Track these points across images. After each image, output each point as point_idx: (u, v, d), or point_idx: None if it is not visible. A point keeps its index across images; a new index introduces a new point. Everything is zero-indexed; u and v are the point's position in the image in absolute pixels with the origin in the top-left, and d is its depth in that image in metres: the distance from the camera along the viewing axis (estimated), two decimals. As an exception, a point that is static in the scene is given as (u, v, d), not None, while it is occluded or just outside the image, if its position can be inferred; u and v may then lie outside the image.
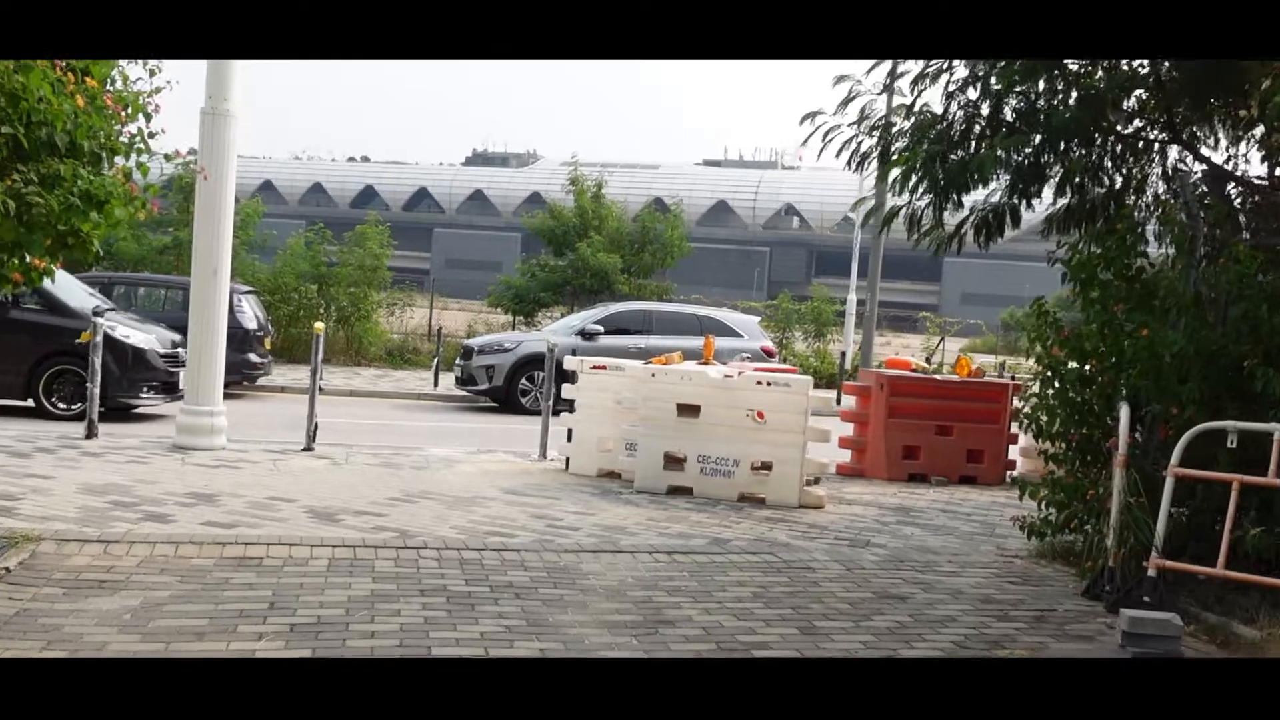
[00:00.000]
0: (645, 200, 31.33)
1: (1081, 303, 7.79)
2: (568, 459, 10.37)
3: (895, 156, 8.55)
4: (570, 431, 10.36)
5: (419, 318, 26.76)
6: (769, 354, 18.44)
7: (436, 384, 19.27)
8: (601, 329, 17.41)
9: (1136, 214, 8.53)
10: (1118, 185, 8.87)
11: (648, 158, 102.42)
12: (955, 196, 8.34)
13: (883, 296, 33.70)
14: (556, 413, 10.80)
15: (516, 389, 16.88)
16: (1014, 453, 11.59)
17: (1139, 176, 8.98)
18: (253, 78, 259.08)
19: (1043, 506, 7.74)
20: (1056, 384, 7.78)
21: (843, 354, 23.06)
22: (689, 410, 9.32)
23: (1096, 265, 7.69)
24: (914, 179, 8.26)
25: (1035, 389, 8.08)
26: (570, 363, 10.38)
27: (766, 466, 9.20)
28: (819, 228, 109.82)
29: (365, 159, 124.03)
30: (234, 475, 8.67)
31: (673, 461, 9.35)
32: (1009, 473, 11.47)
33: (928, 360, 27.21)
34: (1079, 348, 7.62)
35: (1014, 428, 11.35)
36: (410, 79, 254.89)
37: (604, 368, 10.13)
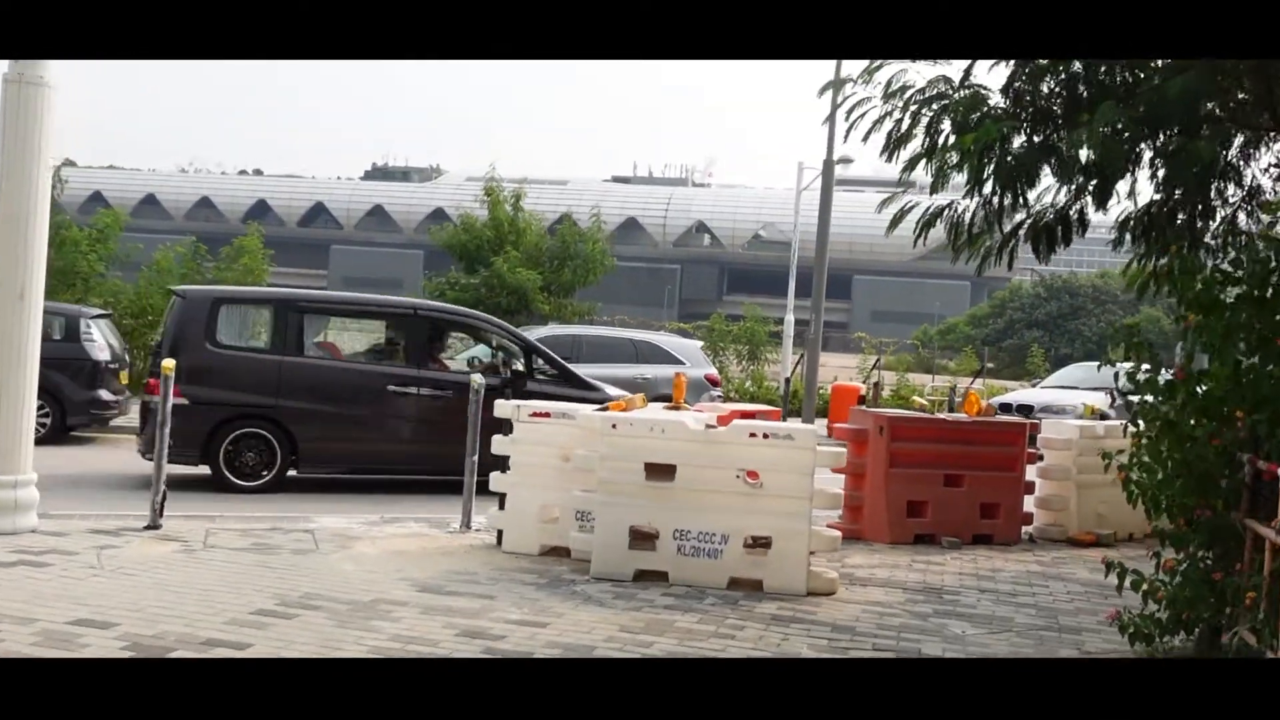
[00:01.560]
0: (554, 217, 29.18)
1: (1195, 336, 5.86)
2: (500, 532, 8.14)
3: (954, 138, 6.55)
4: (503, 498, 8.14)
5: (314, 341, 24.19)
6: (713, 383, 16.47)
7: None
8: (524, 356, 15.16)
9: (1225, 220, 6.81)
10: (1213, 184, 7.03)
11: (555, 173, 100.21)
12: (1019, 192, 6.41)
13: (802, 315, 32.16)
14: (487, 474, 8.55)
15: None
16: (1028, 503, 9.73)
17: (1237, 172, 7.17)
18: (133, 83, 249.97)
19: (1148, 600, 5.84)
20: (1170, 444, 5.86)
21: (787, 380, 21.16)
22: (662, 472, 7.19)
23: (1218, 284, 5.79)
24: (983, 167, 6.27)
25: (1131, 447, 6.17)
26: (503, 408, 8.16)
27: (763, 543, 7.10)
28: (730, 245, 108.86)
29: (258, 172, 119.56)
30: (32, 581, 6.18)
31: (641, 538, 7.19)
32: (1025, 528, 9.60)
33: (866, 384, 25.56)
34: (1204, 398, 5.71)
35: (1030, 474, 9.57)
36: (305, 91, 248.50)
37: (547, 415, 7.93)
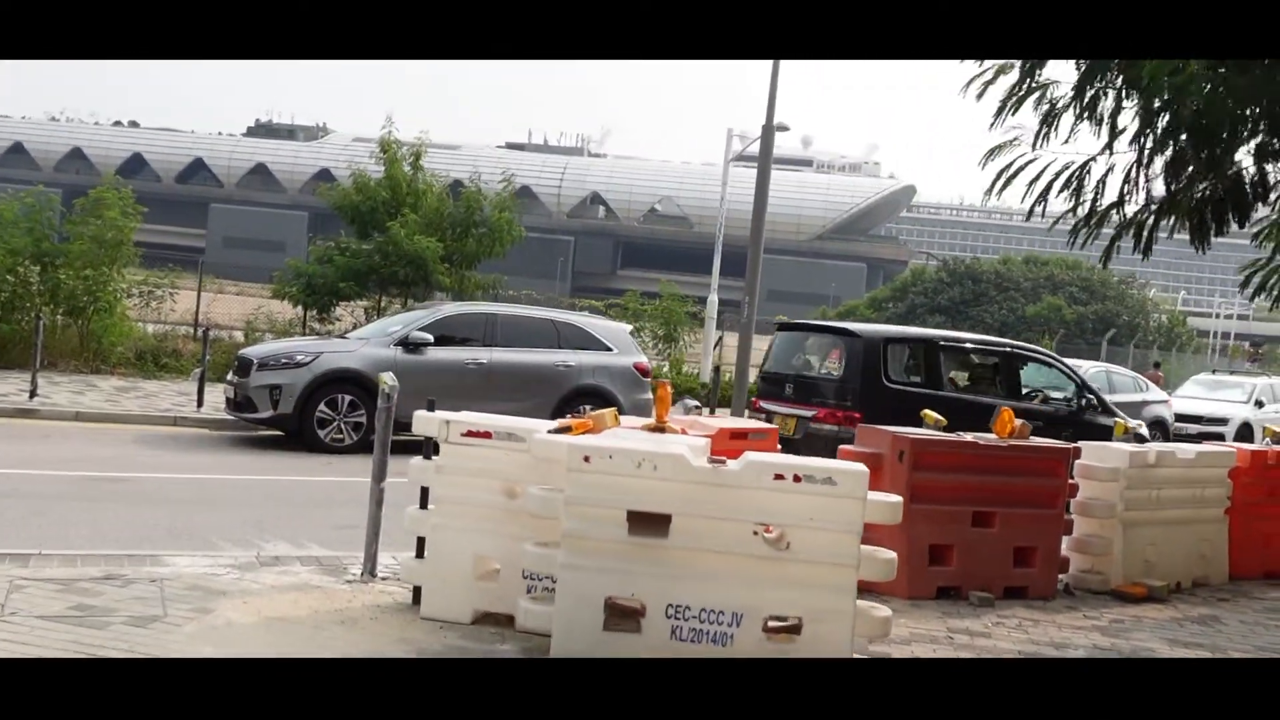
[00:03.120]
0: (445, 183, 26.59)
1: None
2: (417, 590, 6.04)
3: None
4: (422, 542, 6.04)
5: (187, 305, 21.45)
6: (643, 373, 14.47)
7: (201, 403, 14.33)
8: (430, 338, 12.96)
9: None
10: None
11: (446, 138, 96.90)
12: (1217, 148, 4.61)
13: (696, 292, 30.39)
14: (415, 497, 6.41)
15: (313, 418, 12.24)
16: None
17: None
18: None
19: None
20: None
21: (716, 369, 19.28)
22: (651, 524, 5.19)
23: None
24: (1163, 111, 4.48)
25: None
26: (426, 422, 6.01)
27: (790, 626, 5.17)
28: (626, 218, 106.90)
29: (134, 124, 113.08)
30: None
31: (621, 615, 5.18)
32: (1060, 576, 7.89)
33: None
34: None
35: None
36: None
37: (487, 435, 5.82)
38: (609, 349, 14.15)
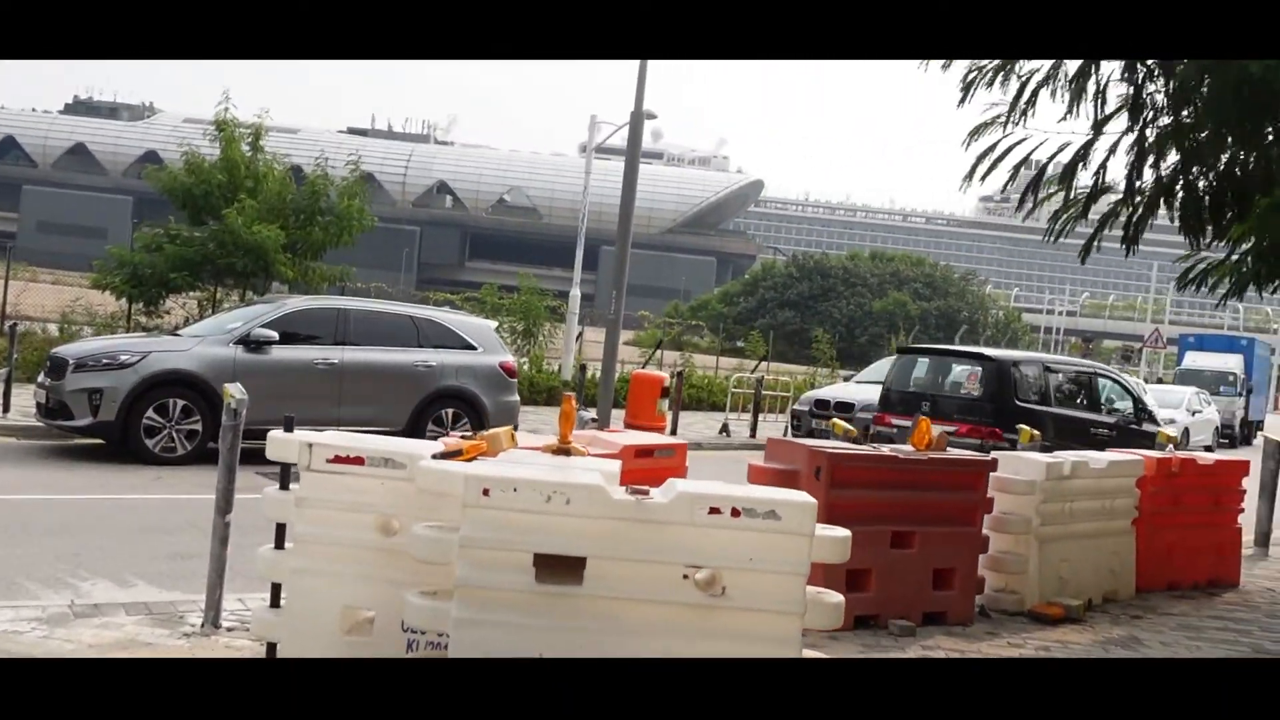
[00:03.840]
0: (287, 167, 24.77)
1: None
2: (272, 645, 5.03)
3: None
4: (278, 589, 5.04)
5: (-6, 294, 19.42)
6: (509, 373, 13.54)
7: (6, 408, 12.73)
8: (274, 335, 11.74)
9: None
10: None
11: (283, 121, 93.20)
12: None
13: (547, 285, 29.59)
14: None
15: (139, 426, 10.89)
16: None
17: None
18: None
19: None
20: None
21: (583, 368, 18.45)
22: (562, 568, 4.35)
23: None
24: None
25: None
26: (281, 446, 5.00)
27: (727, 686, 4.39)
28: (474, 208, 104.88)
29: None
30: None
31: (526, 680, 4.30)
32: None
33: (648, 366, 23.24)
34: None
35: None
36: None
37: (359, 461, 4.85)
38: (473, 347, 13.18)
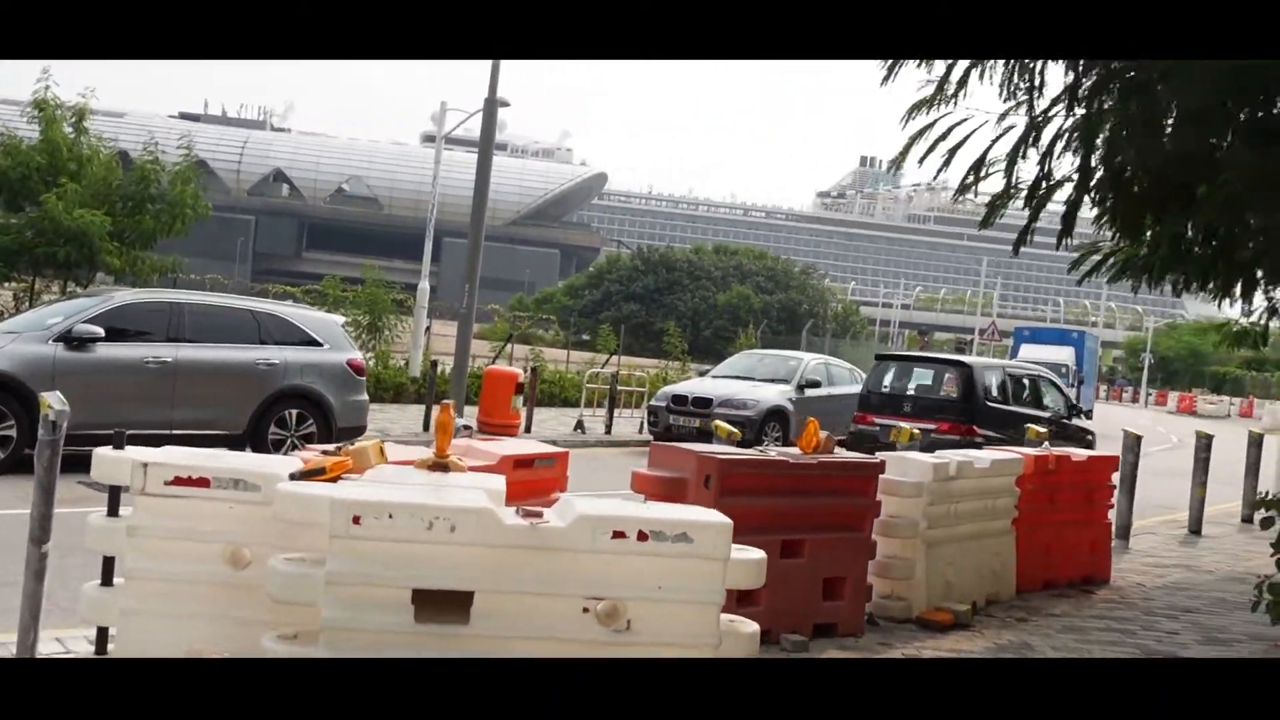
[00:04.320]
0: (113, 151, 22.77)
1: None
2: (96, 702, 4.29)
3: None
4: (105, 634, 4.32)
5: None
6: (357, 370, 12.75)
7: None
8: (100, 331, 10.68)
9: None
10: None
11: (110, 104, 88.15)
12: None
13: (390, 277, 28.48)
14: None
15: (-62, 436, 9.72)
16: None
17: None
18: None
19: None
20: None
21: (434, 364, 17.67)
22: (446, 605, 3.80)
23: None
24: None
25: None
26: (110, 466, 4.27)
27: (634, 730, 3.91)
28: (312, 198, 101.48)
29: None
30: None
31: (406, 735, 3.73)
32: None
33: (498, 360, 22.57)
34: None
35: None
36: None
37: (204, 483, 4.18)
38: (318, 344, 12.34)
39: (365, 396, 12.85)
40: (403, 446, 5.39)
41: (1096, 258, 7.93)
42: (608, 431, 18.31)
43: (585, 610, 3.91)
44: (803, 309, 61.56)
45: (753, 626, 4.31)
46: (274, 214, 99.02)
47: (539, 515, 3.95)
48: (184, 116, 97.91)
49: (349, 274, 29.44)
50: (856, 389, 18.99)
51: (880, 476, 7.04)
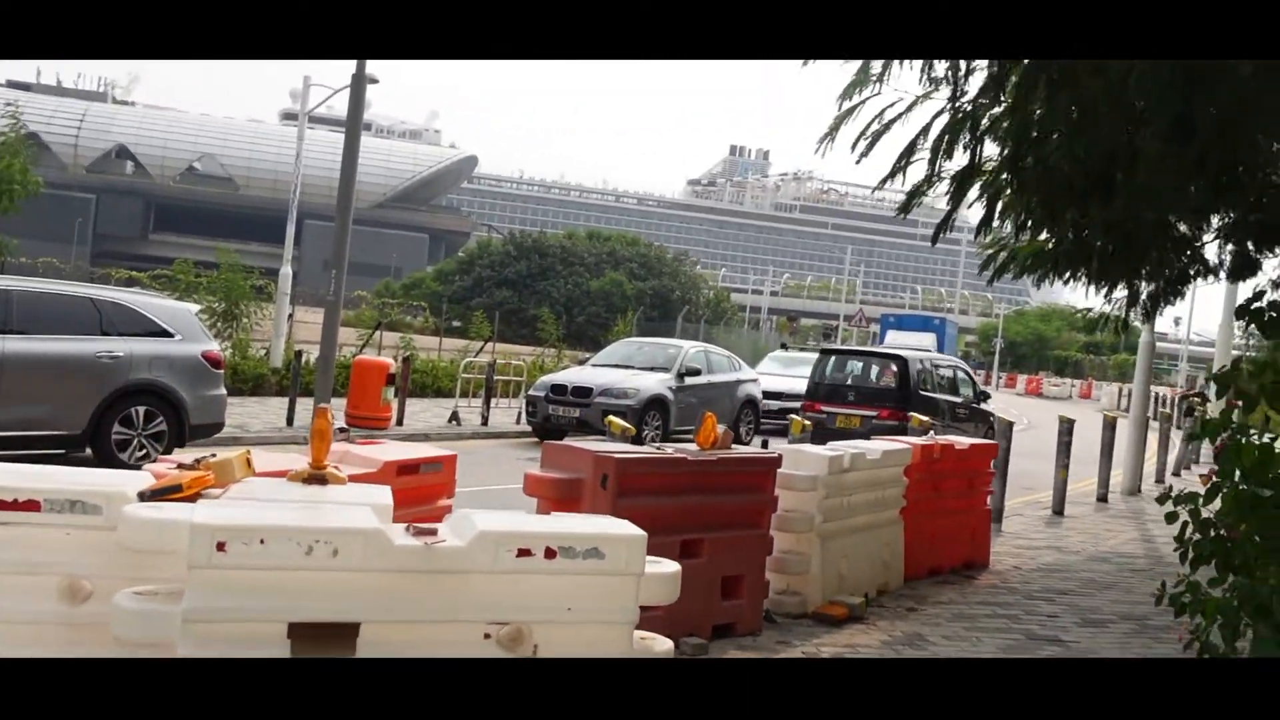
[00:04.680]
0: None
1: None
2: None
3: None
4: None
5: None
6: (214, 363, 11.97)
7: None
8: (-85, 324, 9.71)
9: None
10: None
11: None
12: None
13: (246, 261, 27.38)
14: None
15: None
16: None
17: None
18: None
19: None
20: None
21: (299, 354, 16.83)
22: (328, 638, 3.36)
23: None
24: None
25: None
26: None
27: (539, 767, 3.55)
28: (160, 176, 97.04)
29: None
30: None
31: (282, 787, 3.29)
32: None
33: (365, 349, 21.78)
34: None
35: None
36: None
37: (34, 506, 3.62)
38: (169, 334, 11.51)
39: (222, 391, 12.08)
40: (274, 455, 4.88)
41: (1005, 255, 7.91)
42: (484, 423, 17.80)
43: (487, 636, 3.52)
44: (675, 296, 61.71)
45: (666, 644, 4.00)
46: (117, 193, 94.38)
47: (433, 533, 3.54)
48: (12, 85, 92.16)
49: (202, 258, 28.10)
50: (737, 376, 18.98)
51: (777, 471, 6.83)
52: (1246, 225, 7.17)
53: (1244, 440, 3.21)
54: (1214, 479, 3.41)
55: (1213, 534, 3.42)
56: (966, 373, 17.56)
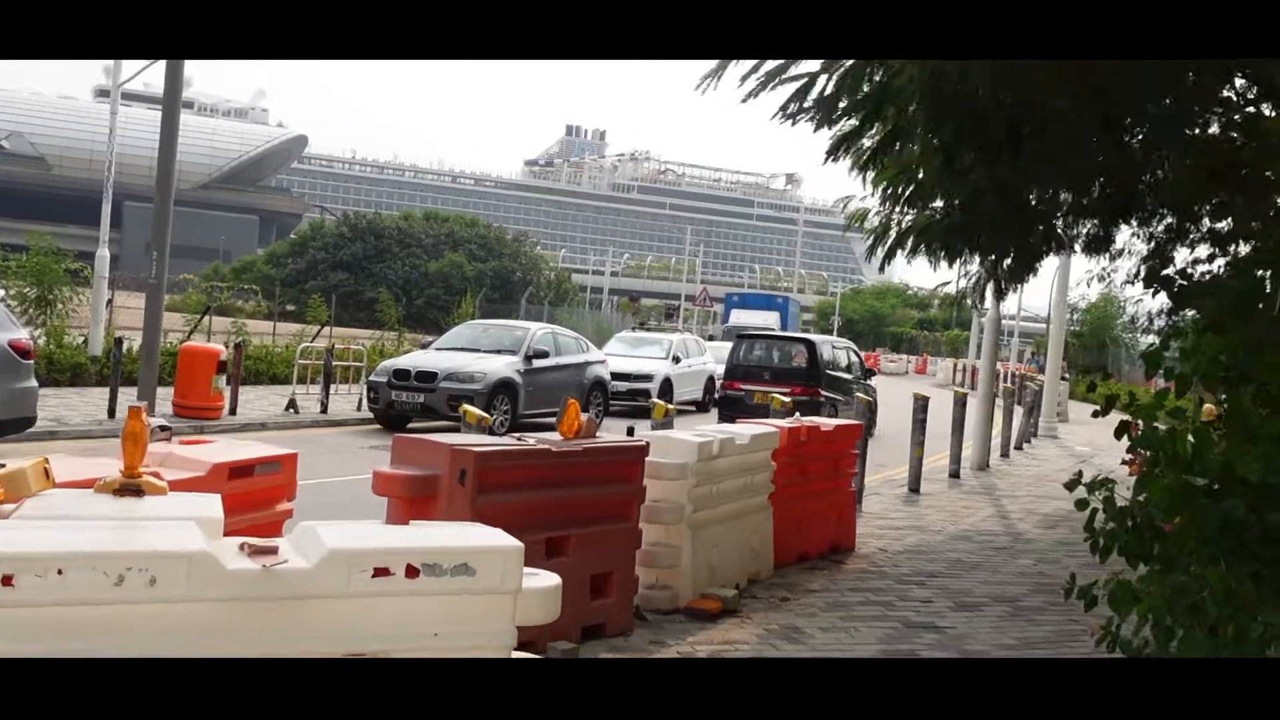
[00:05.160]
0: None
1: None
2: None
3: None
4: None
5: None
6: (22, 353, 10.90)
7: None
8: None
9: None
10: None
11: None
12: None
13: (58, 244, 25.61)
14: None
15: None
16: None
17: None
18: None
19: None
20: None
21: (119, 341, 15.58)
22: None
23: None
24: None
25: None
26: None
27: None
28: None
29: None
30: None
31: None
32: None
33: (191, 334, 20.46)
34: None
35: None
36: None
37: None
38: (-31, 323, 10.41)
39: (33, 382, 11.01)
40: (78, 460, 4.23)
41: (893, 235, 7.77)
42: (324, 411, 16.93)
43: (338, 670, 3.03)
44: (517, 277, 60.87)
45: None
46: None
47: (273, 553, 3.02)
48: None
49: (10, 240, 26.02)
50: (585, 358, 18.60)
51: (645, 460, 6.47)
52: (1105, 198, 7.22)
53: (1179, 426, 3.00)
54: (1143, 468, 3.20)
55: (1130, 525, 3.22)
56: (856, 353, 19.91)
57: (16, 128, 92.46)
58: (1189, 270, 4.48)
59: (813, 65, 6.70)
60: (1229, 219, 9.98)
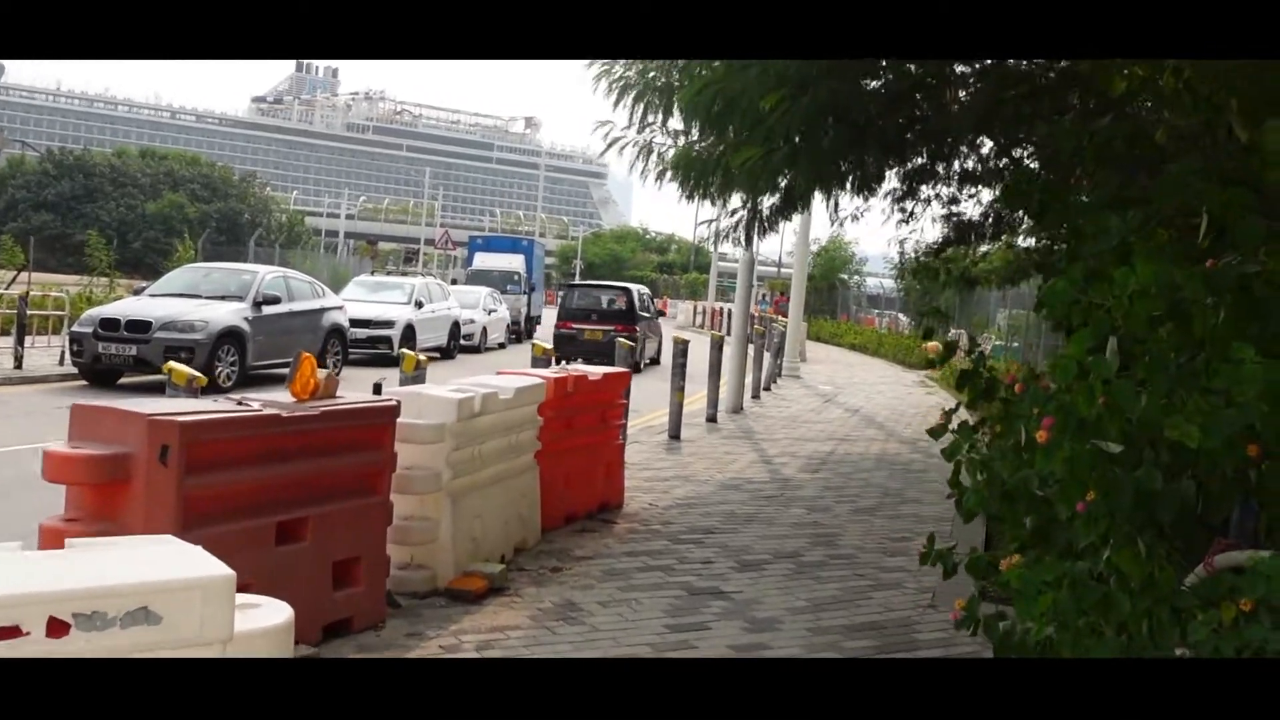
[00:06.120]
0: None
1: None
2: None
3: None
4: None
5: None
6: None
7: None
8: None
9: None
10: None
11: None
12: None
13: None
14: None
15: None
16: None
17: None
18: None
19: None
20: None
21: None
22: None
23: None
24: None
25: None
26: None
27: None
28: None
29: None
30: None
31: None
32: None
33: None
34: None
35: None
36: None
37: None
38: None
39: None
40: None
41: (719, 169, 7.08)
42: (18, 365, 14.78)
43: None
44: (245, 219, 56.96)
45: None
46: None
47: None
48: None
49: None
50: (321, 304, 17.16)
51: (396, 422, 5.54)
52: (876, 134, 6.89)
53: (1088, 381, 2.44)
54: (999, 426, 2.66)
55: (1003, 487, 2.69)
56: (651, 297, 25.00)
57: None
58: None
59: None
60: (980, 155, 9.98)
